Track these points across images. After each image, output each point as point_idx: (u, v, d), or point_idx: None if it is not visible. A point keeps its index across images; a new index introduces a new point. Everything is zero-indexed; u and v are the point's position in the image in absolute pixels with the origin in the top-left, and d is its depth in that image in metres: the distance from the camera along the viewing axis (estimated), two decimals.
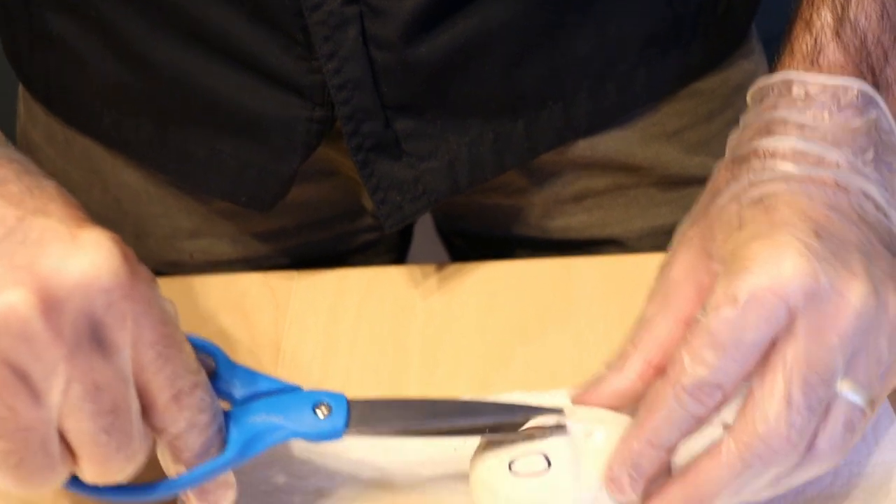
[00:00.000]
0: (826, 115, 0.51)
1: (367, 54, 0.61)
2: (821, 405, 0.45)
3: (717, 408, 0.47)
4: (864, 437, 0.55)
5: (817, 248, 0.46)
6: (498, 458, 0.50)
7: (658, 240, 0.73)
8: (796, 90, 0.53)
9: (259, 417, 0.49)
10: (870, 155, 0.51)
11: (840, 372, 0.45)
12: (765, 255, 0.46)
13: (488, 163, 0.68)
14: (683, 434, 0.47)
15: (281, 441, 0.49)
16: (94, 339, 0.42)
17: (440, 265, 0.69)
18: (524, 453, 0.50)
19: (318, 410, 0.50)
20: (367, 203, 0.75)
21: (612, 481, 0.48)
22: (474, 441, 0.53)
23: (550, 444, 0.50)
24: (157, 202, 0.73)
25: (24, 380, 0.41)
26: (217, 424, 0.47)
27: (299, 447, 0.56)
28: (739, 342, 0.45)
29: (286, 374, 0.62)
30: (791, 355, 0.45)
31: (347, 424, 0.50)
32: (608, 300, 0.65)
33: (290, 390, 0.51)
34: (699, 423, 0.47)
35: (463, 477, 0.53)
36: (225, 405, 0.50)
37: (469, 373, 0.61)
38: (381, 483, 0.55)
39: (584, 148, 0.71)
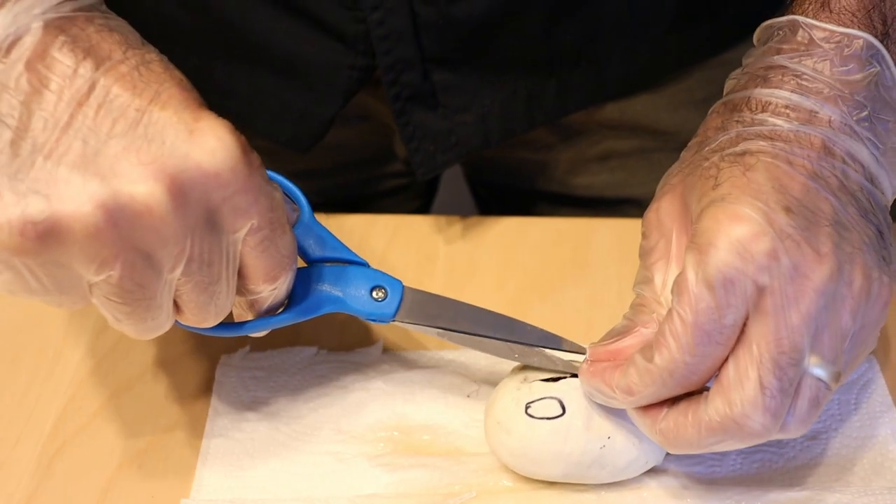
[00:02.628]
0: (827, 65, 0.50)
1: (411, 7, 0.63)
2: (792, 386, 0.46)
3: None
4: (856, 408, 0.58)
5: (783, 224, 0.46)
6: (515, 401, 0.53)
7: None
8: (801, 34, 0.51)
9: (323, 286, 0.53)
10: (865, 112, 0.50)
11: (807, 350, 0.46)
12: (729, 234, 0.46)
13: (520, 119, 0.69)
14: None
15: (335, 311, 0.54)
16: (209, 223, 0.46)
17: (464, 217, 0.71)
18: (540, 397, 0.53)
19: (374, 292, 0.54)
20: (399, 149, 0.77)
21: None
22: (487, 390, 0.56)
23: (566, 392, 0.53)
24: None
25: (150, 260, 0.46)
26: (289, 290, 0.52)
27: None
28: (721, 326, 0.46)
29: None
30: (760, 337, 0.46)
31: (397, 312, 0.54)
32: (624, 262, 0.66)
33: (357, 263, 0.54)
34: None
35: (475, 422, 0.56)
36: (299, 262, 0.54)
37: None
38: (397, 426, 0.57)
39: (613, 110, 0.73)
